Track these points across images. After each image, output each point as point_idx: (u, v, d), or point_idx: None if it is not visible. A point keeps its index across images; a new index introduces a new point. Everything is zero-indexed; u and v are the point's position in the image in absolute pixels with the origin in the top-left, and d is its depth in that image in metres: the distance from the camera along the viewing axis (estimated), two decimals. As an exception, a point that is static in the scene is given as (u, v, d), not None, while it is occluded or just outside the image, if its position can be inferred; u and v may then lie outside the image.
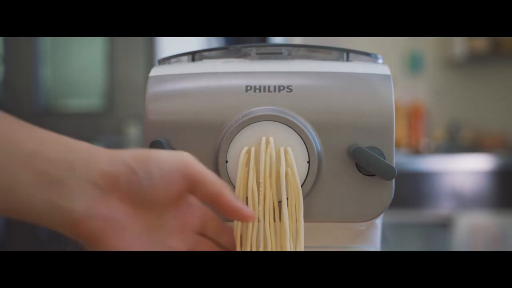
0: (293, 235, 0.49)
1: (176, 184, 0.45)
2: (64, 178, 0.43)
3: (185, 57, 0.59)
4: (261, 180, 0.49)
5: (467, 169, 2.75)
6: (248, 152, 0.50)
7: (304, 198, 0.51)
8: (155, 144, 0.51)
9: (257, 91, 0.52)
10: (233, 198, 0.46)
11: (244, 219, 0.47)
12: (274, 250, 0.48)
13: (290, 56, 0.57)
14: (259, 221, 0.49)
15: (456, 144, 3.11)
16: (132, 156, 0.45)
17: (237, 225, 0.49)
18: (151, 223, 0.45)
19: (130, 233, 0.44)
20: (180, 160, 0.46)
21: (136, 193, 0.45)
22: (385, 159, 0.51)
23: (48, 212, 0.43)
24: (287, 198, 0.49)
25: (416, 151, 2.96)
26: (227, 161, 0.51)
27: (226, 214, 0.46)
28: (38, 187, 0.42)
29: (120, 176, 0.44)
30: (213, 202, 0.46)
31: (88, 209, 0.43)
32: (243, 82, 0.53)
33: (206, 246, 0.48)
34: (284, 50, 0.57)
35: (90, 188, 0.43)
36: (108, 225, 0.44)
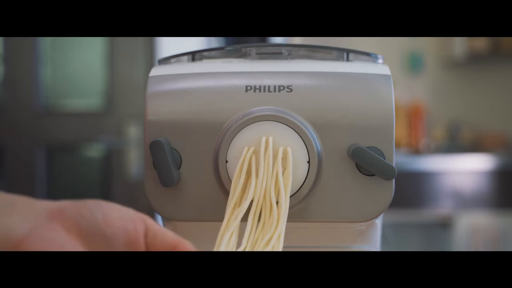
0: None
1: (132, 223, 0.41)
2: (3, 211, 0.39)
3: (185, 57, 0.59)
4: (260, 180, 0.49)
5: (467, 169, 2.75)
6: (249, 152, 0.50)
7: (304, 198, 0.51)
8: (155, 144, 0.51)
9: (257, 91, 0.52)
10: (191, 247, 0.42)
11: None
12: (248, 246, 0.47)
13: (290, 56, 0.57)
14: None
15: (456, 144, 3.11)
16: (82, 200, 0.41)
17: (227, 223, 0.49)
18: None
19: None
20: (135, 211, 0.42)
21: (87, 226, 0.40)
22: (385, 159, 0.51)
23: None
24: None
25: (416, 151, 2.96)
26: (227, 161, 0.51)
27: None
28: None
29: (67, 209, 0.40)
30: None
31: (31, 231, 0.38)
32: (243, 82, 0.53)
33: None
34: (284, 50, 0.57)
35: (32, 217, 0.39)
36: (54, 246, 0.38)
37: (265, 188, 0.49)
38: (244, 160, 0.50)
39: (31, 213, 0.39)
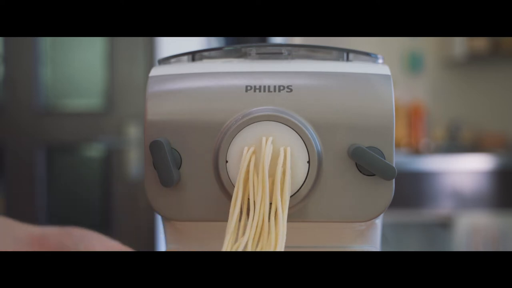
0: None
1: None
2: None
3: (185, 57, 0.59)
4: (260, 181, 0.49)
5: (467, 169, 2.75)
6: (253, 152, 0.50)
7: (304, 198, 0.51)
8: (155, 144, 0.51)
9: (257, 91, 0.52)
10: None
11: None
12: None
13: (290, 56, 0.57)
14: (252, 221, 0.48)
15: (456, 144, 3.11)
16: (65, 228, 0.40)
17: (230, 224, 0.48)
18: None
19: None
20: (119, 243, 0.41)
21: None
22: (385, 159, 0.51)
23: None
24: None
25: (416, 151, 2.96)
26: (227, 161, 0.51)
27: None
28: None
29: (50, 237, 0.39)
30: None
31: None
32: (243, 82, 0.52)
33: None
34: (284, 50, 0.57)
35: (11, 242, 0.38)
36: None
37: (263, 219, 0.48)
38: (238, 188, 0.49)
39: (10, 237, 0.38)
